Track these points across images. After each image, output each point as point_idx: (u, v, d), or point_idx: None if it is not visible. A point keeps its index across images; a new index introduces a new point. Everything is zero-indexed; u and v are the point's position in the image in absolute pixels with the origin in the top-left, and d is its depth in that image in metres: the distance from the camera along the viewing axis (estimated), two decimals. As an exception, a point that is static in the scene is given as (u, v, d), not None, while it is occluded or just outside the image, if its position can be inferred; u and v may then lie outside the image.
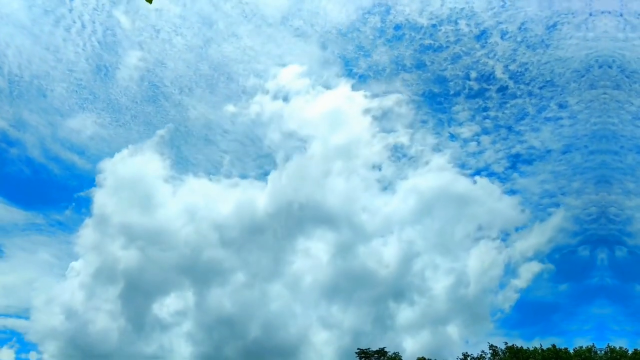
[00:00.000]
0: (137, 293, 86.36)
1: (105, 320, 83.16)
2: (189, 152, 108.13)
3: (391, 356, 60.68)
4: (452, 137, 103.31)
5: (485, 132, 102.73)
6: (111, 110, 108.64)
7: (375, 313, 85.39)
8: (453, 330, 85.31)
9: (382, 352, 61.79)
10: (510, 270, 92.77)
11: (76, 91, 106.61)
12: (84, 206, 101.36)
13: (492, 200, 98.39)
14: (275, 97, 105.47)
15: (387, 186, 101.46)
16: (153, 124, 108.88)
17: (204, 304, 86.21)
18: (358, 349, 62.56)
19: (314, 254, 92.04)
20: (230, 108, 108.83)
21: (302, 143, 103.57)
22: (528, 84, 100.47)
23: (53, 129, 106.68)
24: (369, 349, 62.24)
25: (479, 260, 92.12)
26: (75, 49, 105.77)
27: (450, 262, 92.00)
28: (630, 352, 57.00)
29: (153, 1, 6.00)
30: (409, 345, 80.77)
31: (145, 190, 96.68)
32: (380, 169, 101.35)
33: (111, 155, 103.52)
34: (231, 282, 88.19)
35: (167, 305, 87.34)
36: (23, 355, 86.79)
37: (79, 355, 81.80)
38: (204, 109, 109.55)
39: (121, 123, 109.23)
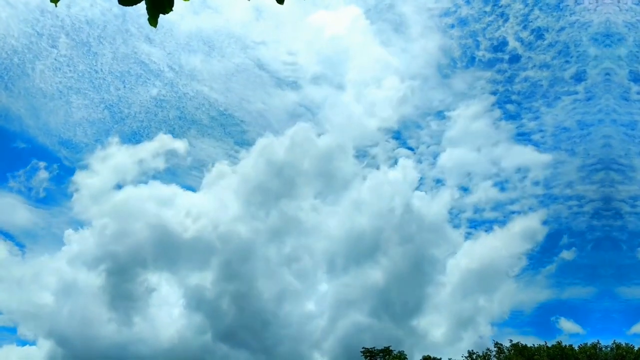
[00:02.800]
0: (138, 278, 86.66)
1: (105, 310, 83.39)
2: (185, 135, 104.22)
3: (396, 355, 60.69)
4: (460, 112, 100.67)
5: (499, 106, 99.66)
6: (97, 90, 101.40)
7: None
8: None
9: (387, 350, 61.84)
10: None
11: (59, 69, 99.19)
12: (70, 196, 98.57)
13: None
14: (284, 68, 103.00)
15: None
16: (145, 105, 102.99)
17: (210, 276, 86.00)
18: (363, 347, 62.69)
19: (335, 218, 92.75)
20: (224, 86, 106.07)
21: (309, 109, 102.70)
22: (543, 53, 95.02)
23: (37, 113, 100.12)
24: (374, 347, 62.35)
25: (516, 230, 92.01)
26: (54, 22, 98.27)
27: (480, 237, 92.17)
28: (636, 348, 56.82)
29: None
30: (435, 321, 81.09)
31: (142, 178, 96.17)
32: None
33: (100, 140, 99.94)
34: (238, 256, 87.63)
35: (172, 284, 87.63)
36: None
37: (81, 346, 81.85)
38: (198, 87, 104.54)
39: (108, 105, 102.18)
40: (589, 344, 58.76)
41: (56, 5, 4.98)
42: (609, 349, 57.70)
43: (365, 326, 78.03)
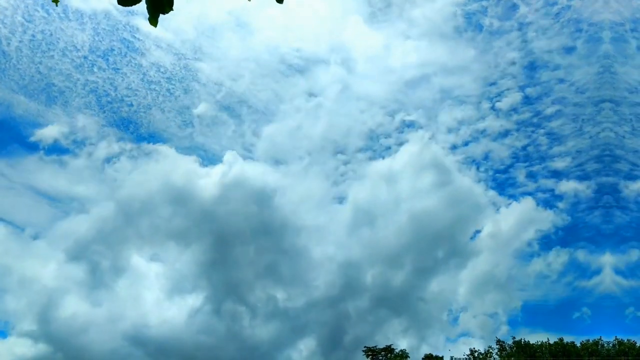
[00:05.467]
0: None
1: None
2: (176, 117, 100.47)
3: (398, 354, 60.83)
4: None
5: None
6: (79, 70, 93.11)
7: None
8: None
9: (389, 349, 62.03)
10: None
11: (38, 47, 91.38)
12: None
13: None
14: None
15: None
16: (132, 88, 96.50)
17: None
18: (365, 347, 62.96)
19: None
20: (223, 66, 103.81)
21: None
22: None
23: (17, 98, 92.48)
24: (375, 346, 62.56)
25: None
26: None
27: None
28: (638, 344, 56.81)
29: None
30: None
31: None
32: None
33: (87, 127, 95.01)
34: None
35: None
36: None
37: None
38: (191, 66, 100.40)
39: (93, 88, 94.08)
40: (591, 341, 58.87)
41: (57, 5, 4.99)
42: (610, 345, 57.76)
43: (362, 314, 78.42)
